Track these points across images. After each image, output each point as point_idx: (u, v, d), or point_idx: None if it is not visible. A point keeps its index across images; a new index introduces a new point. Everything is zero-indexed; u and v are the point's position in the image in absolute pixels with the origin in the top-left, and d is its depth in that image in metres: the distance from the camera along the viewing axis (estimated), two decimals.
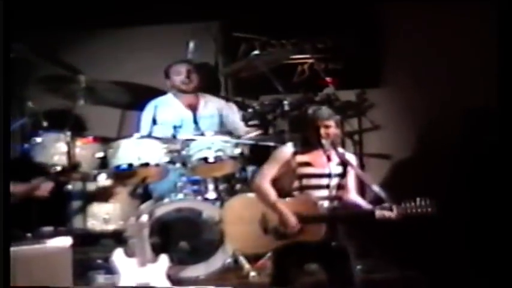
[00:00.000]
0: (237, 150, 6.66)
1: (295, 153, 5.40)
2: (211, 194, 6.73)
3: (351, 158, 5.51)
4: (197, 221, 6.56)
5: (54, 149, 6.70)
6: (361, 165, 7.55)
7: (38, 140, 6.72)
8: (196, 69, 7.23)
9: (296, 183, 5.37)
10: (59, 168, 6.42)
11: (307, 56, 7.70)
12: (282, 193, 5.39)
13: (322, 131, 5.37)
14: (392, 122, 7.74)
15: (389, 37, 7.82)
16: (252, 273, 6.41)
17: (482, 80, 7.39)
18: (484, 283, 6.10)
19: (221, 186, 6.79)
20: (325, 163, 5.38)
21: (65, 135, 6.72)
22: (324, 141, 5.37)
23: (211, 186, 6.76)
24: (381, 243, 6.80)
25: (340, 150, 5.46)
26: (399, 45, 7.79)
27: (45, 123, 6.90)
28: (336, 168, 5.40)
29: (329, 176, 5.38)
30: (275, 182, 5.40)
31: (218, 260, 6.47)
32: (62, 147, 6.70)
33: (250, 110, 7.13)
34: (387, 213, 5.25)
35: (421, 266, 6.41)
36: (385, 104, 7.70)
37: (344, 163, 5.40)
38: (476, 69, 7.48)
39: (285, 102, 6.96)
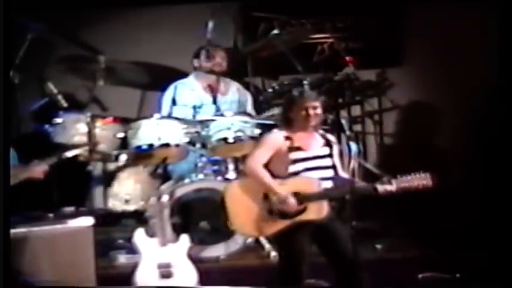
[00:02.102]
0: (257, 131, 6.66)
1: (285, 138, 5.43)
2: (232, 174, 6.75)
3: (331, 138, 5.57)
4: (218, 201, 6.55)
5: (75, 130, 6.72)
6: (382, 144, 7.58)
7: (59, 120, 6.73)
8: (223, 51, 7.20)
9: (292, 168, 5.40)
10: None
11: (327, 35, 7.65)
12: (277, 177, 5.41)
13: (311, 111, 5.42)
14: (413, 101, 7.70)
15: (409, 16, 7.77)
16: (273, 253, 6.42)
17: (502, 60, 7.34)
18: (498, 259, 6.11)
19: (241, 166, 6.79)
20: (314, 145, 5.45)
21: (85, 115, 6.74)
22: (313, 122, 5.43)
23: (231, 167, 6.78)
24: (401, 221, 6.81)
25: (321, 131, 5.54)
26: (419, 24, 7.74)
27: (65, 104, 6.91)
28: (326, 149, 5.46)
29: (321, 157, 5.44)
30: (267, 166, 5.42)
31: (239, 240, 6.48)
32: (82, 127, 6.72)
33: (269, 90, 7.13)
34: (388, 187, 5.35)
35: (439, 246, 6.42)
36: (406, 84, 7.67)
37: (329, 143, 5.48)
38: (495, 49, 7.42)
39: (305, 82, 6.93)
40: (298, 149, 5.42)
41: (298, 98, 5.47)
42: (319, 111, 5.45)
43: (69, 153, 6.20)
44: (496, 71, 6.64)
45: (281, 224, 5.38)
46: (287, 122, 5.50)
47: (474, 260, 6.23)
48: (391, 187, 5.35)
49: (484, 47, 7.50)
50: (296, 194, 5.35)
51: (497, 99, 6.64)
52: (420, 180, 5.36)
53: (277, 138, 5.47)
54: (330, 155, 5.46)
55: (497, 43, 6.73)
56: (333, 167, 5.46)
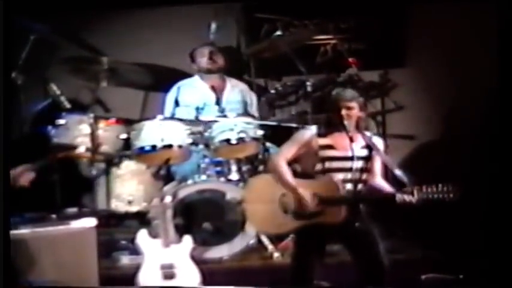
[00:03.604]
0: (260, 132, 6.66)
1: (317, 136, 5.38)
2: (234, 175, 6.74)
3: (378, 142, 5.46)
4: (220, 202, 6.57)
5: (78, 131, 6.72)
6: (385, 146, 7.55)
7: (61, 121, 6.73)
8: (219, 50, 7.22)
9: (319, 166, 5.36)
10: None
11: (330, 36, 7.65)
12: (304, 175, 5.38)
13: (344, 112, 5.33)
14: (416, 102, 7.69)
15: (412, 17, 7.76)
16: (276, 254, 6.43)
17: (505, 60, 7.32)
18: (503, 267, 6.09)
19: (244, 168, 6.80)
20: (347, 146, 5.34)
21: (88, 117, 6.74)
22: (346, 122, 5.33)
23: (234, 168, 6.77)
24: (403, 225, 6.80)
25: (367, 133, 5.42)
26: (422, 25, 7.74)
27: (68, 105, 6.92)
28: (359, 151, 5.36)
29: (352, 158, 5.35)
30: (295, 163, 5.40)
31: (242, 241, 6.48)
32: (85, 129, 6.72)
33: (272, 92, 7.13)
34: (408, 198, 5.22)
35: (442, 247, 6.41)
36: (409, 85, 7.66)
37: (369, 146, 5.36)
38: (496, 49, 7.41)
39: (308, 83, 6.95)
40: (330, 147, 5.35)
41: (332, 97, 5.39)
42: (354, 112, 5.33)
43: (59, 155, 6.19)
44: (498, 72, 6.63)
45: (296, 224, 5.36)
46: (323, 121, 5.43)
47: (477, 261, 6.22)
48: (412, 198, 5.21)
49: (486, 47, 7.49)
50: (315, 196, 5.30)
51: (500, 99, 6.63)
52: (445, 193, 5.21)
53: (308, 134, 5.40)
54: (367, 158, 5.36)
55: (498, 43, 6.72)
56: (367, 170, 5.35)
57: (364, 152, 5.37)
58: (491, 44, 7.04)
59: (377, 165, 5.43)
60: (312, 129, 5.43)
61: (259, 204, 5.43)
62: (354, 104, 5.36)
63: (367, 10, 7.71)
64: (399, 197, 5.24)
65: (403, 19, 7.76)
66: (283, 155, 5.39)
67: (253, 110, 7.22)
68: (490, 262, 6.15)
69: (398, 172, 5.25)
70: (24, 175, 5.88)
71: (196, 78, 7.25)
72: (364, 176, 5.36)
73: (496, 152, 6.88)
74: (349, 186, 5.34)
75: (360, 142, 5.37)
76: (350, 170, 5.34)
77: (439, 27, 7.66)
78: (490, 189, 7.00)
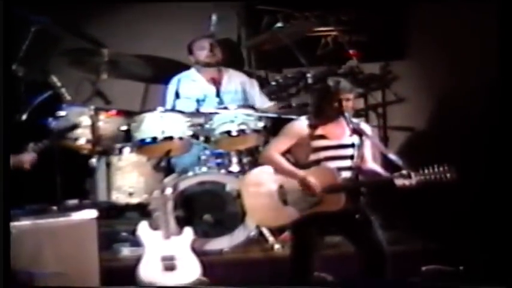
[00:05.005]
0: (260, 124, 6.66)
1: (309, 126, 5.42)
2: (235, 167, 6.75)
3: (366, 127, 5.52)
4: (221, 193, 6.58)
5: (78, 123, 6.71)
6: (385, 137, 7.55)
7: (62, 113, 6.73)
8: (218, 43, 7.21)
9: (312, 156, 5.39)
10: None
11: (331, 28, 7.64)
12: (297, 165, 5.41)
13: (344, 103, 5.38)
14: (416, 94, 7.69)
15: (413, 9, 7.75)
16: (277, 246, 6.43)
17: (504, 53, 7.32)
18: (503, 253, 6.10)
19: (245, 159, 6.80)
20: (340, 134, 5.42)
21: (89, 108, 6.75)
22: (344, 113, 5.37)
23: (234, 159, 6.78)
24: (403, 215, 6.81)
25: (355, 120, 5.48)
26: (423, 17, 7.72)
27: (68, 97, 6.92)
28: (351, 139, 5.42)
29: (345, 146, 5.41)
30: (287, 154, 5.42)
31: (242, 233, 6.49)
32: (86, 120, 6.72)
33: (273, 83, 7.12)
34: (407, 181, 5.26)
35: (442, 238, 6.41)
36: (409, 77, 7.65)
37: (359, 133, 5.41)
38: (499, 42, 7.40)
39: (308, 75, 6.95)
40: (322, 137, 5.39)
41: (332, 89, 5.41)
42: (351, 102, 5.41)
43: (59, 140, 6.19)
44: (498, 63, 6.63)
45: (295, 215, 5.37)
46: (317, 111, 5.45)
47: (477, 252, 6.23)
48: (411, 181, 5.24)
49: (487, 40, 7.48)
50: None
51: (500, 92, 6.63)
52: (442, 173, 5.24)
53: (299, 126, 5.44)
54: (356, 145, 5.40)
55: (498, 35, 6.73)
56: (360, 157, 5.40)
57: (356, 139, 5.42)
58: (491, 35, 7.05)
59: (367, 151, 5.47)
60: (304, 121, 5.45)
61: (257, 198, 5.45)
62: (351, 96, 5.43)
63: (368, 2, 7.70)
64: (398, 180, 5.27)
65: (404, 11, 7.75)
66: (275, 148, 5.43)
67: (256, 99, 7.18)
68: (490, 254, 6.17)
69: (392, 156, 5.27)
70: (25, 156, 5.90)
71: (193, 71, 7.24)
72: (358, 163, 5.40)
73: (496, 145, 6.90)
74: (344, 174, 5.37)
75: (348, 129, 5.42)
76: (344, 158, 5.39)
77: (439, 19, 7.65)
78: (490, 181, 7.01)
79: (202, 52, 7.15)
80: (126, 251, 6.50)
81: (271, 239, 6.48)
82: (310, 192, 5.32)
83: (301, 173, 5.35)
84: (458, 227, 6.59)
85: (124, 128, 6.76)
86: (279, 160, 5.40)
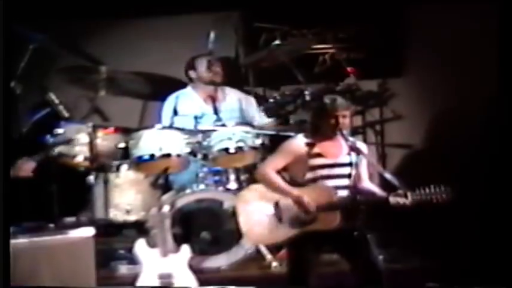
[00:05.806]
0: (258, 141, 6.66)
1: (306, 145, 5.42)
2: (233, 185, 6.74)
3: (362, 146, 5.53)
4: (219, 211, 6.57)
5: (76, 140, 6.71)
6: (383, 155, 7.56)
7: (60, 131, 6.73)
8: (220, 61, 7.21)
9: (309, 174, 5.40)
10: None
11: (329, 45, 7.67)
12: (293, 183, 5.42)
13: (341, 120, 5.41)
14: (414, 112, 7.70)
15: (410, 27, 7.77)
16: (274, 264, 6.42)
17: (503, 70, 7.34)
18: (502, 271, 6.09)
19: (242, 177, 6.79)
20: (338, 153, 5.43)
21: (87, 126, 6.75)
22: (340, 130, 5.40)
23: (232, 177, 6.77)
24: (399, 233, 6.80)
25: (351, 139, 5.49)
26: (421, 34, 7.74)
27: (66, 114, 6.92)
28: (348, 158, 5.43)
29: (342, 165, 5.42)
30: (283, 172, 5.43)
31: (240, 250, 6.48)
32: (84, 138, 6.72)
33: (271, 101, 7.13)
34: (401, 200, 5.27)
35: (440, 255, 6.40)
36: (407, 94, 7.67)
37: (356, 152, 5.42)
38: (497, 60, 7.42)
39: (306, 92, 6.95)
40: (319, 155, 5.40)
41: (329, 106, 5.43)
42: (348, 119, 5.44)
43: (57, 150, 6.19)
44: (497, 81, 6.65)
45: (291, 232, 5.37)
46: (314, 129, 5.48)
47: (476, 270, 6.22)
48: (406, 200, 5.26)
49: (485, 57, 7.50)
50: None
51: (499, 108, 6.64)
52: (438, 194, 5.24)
53: (296, 144, 5.46)
54: (353, 164, 5.42)
55: (497, 54, 6.75)
56: (356, 175, 5.42)
57: (352, 158, 5.43)
58: (490, 54, 7.07)
59: (363, 170, 5.49)
60: (301, 139, 5.46)
61: (253, 216, 5.45)
62: (348, 113, 5.45)
63: (365, 19, 7.72)
64: (392, 199, 5.29)
65: (402, 28, 7.77)
66: (270, 165, 5.45)
67: (254, 116, 7.17)
68: (490, 271, 6.16)
69: (388, 175, 5.28)
70: (25, 165, 5.90)
71: (190, 89, 7.23)
72: (354, 182, 5.42)
73: (495, 161, 6.90)
74: (341, 192, 5.38)
75: (346, 148, 5.45)
76: (341, 176, 5.40)
77: (437, 37, 7.67)
78: (487, 198, 7.01)
79: (204, 69, 7.13)
80: (123, 269, 6.49)
81: (268, 256, 6.47)
82: (304, 210, 5.32)
83: (295, 191, 5.35)
84: (457, 245, 6.58)
85: (122, 145, 6.76)
86: (273, 178, 5.41)
